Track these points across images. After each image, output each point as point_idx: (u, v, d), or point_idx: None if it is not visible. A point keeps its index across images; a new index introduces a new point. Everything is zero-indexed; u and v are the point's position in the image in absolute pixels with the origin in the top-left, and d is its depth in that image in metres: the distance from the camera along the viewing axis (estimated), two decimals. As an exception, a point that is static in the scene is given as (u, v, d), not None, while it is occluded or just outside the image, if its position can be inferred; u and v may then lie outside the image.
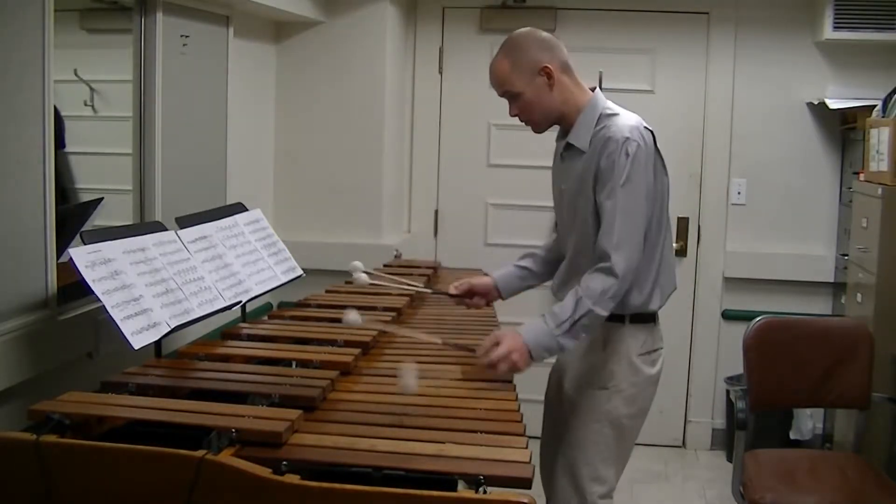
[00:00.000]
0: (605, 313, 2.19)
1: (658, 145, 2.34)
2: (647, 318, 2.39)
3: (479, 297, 2.61)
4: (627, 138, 2.21)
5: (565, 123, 2.37)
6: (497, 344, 2.16)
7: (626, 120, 2.27)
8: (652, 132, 2.31)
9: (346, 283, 3.22)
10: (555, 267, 2.53)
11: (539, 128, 2.39)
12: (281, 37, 4.05)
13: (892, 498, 2.72)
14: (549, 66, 2.27)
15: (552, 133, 2.48)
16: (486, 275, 2.67)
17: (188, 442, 1.59)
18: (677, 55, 4.29)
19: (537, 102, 2.30)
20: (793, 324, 3.21)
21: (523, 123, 2.39)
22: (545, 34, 2.34)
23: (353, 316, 2.22)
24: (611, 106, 2.33)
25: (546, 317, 2.19)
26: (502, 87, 2.32)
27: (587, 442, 2.38)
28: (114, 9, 2.85)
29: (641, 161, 2.22)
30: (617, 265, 2.17)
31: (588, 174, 2.28)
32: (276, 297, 3.60)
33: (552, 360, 2.45)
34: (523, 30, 2.35)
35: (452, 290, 2.61)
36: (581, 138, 2.31)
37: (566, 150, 2.37)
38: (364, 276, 2.56)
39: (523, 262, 2.65)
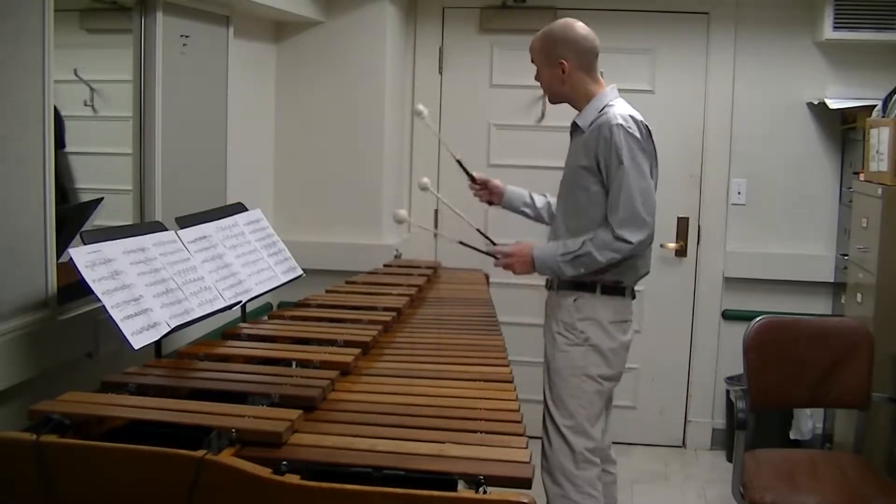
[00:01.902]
0: (601, 259, 2.57)
1: (655, 142, 2.66)
2: (618, 291, 2.69)
3: (487, 192, 3.08)
4: (619, 124, 2.55)
5: (576, 106, 2.74)
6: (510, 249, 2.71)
7: (621, 109, 2.62)
8: (647, 125, 2.62)
9: (347, 282, 3.23)
10: (546, 221, 2.98)
11: (551, 100, 2.83)
12: (281, 37, 4.05)
13: (892, 498, 2.72)
14: (563, 61, 2.67)
15: (552, 135, 2.77)
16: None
17: (188, 442, 1.59)
18: (677, 55, 4.28)
19: (549, 83, 2.74)
20: (793, 324, 3.21)
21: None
22: (578, 32, 2.69)
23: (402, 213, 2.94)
24: (616, 100, 2.68)
25: (559, 243, 2.65)
26: (532, 58, 2.76)
27: (568, 396, 2.65)
28: (114, 9, 2.85)
29: (633, 143, 2.55)
30: (629, 236, 2.54)
31: (583, 152, 2.64)
32: (276, 297, 3.60)
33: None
34: (563, 21, 2.73)
35: (476, 174, 3.09)
36: (584, 120, 2.68)
37: (573, 130, 2.75)
38: (426, 180, 3.00)
39: (535, 195, 3.04)
